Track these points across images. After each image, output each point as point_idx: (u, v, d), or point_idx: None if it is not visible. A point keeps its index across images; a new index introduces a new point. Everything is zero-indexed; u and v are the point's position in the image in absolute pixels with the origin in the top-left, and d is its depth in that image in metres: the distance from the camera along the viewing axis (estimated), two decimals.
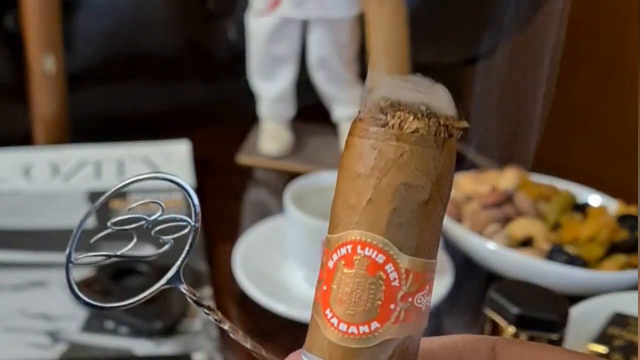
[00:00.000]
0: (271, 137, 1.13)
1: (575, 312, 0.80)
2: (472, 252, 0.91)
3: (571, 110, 1.40)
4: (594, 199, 1.00)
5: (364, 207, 0.31)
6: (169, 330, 0.82)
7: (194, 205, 0.36)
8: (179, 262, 0.36)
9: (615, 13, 1.56)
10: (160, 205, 0.36)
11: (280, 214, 0.93)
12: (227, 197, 1.06)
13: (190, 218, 0.36)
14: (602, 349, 0.78)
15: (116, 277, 0.85)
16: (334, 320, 0.31)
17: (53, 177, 1.04)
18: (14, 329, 0.82)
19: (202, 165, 1.07)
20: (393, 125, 0.31)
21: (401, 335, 0.31)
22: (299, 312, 0.83)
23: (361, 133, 0.31)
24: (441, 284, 0.86)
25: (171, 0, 1.16)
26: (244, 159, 1.13)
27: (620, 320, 0.82)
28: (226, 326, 0.36)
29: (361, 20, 1.08)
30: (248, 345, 0.36)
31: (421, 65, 1.04)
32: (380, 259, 0.31)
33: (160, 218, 0.36)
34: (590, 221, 0.93)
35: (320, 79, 1.13)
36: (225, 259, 0.91)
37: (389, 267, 0.31)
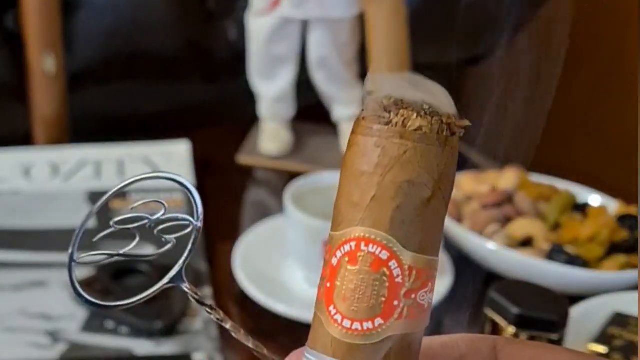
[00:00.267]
0: (271, 137, 1.13)
1: (575, 312, 0.80)
2: (472, 252, 0.91)
3: (571, 110, 1.40)
4: (594, 199, 1.00)
5: (367, 205, 0.31)
6: (169, 330, 0.82)
7: (196, 205, 0.36)
8: (181, 261, 0.36)
9: (615, 13, 1.56)
10: (163, 205, 0.36)
11: (280, 214, 0.93)
12: (227, 197, 1.06)
13: (193, 217, 0.36)
14: (602, 349, 0.78)
15: (117, 277, 0.85)
16: (338, 317, 0.32)
17: (53, 177, 1.04)
18: (14, 329, 0.82)
19: (202, 165, 1.07)
20: (396, 123, 0.31)
21: (404, 331, 0.32)
22: (299, 312, 0.83)
23: (364, 131, 0.32)
24: (441, 284, 0.86)
25: (171, 0, 1.16)
26: (244, 159, 1.13)
27: (620, 320, 0.82)
28: (228, 325, 0.36)
29: (361, 20, 1.08)
30: (250, 345, 0.36)
31: (421, 65, 1.04)
32: (384, 255, 0.31)
33: (163, 217, 0.36)
34: (590, 221, 0.93)
35: (320, 79, 1.13)
36: (225, 259, 0.91)
37: (393, 264, 0.31)
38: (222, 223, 0.98)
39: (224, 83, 1.21)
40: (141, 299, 0.36)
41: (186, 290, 0.36)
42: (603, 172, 1.08)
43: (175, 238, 0.36)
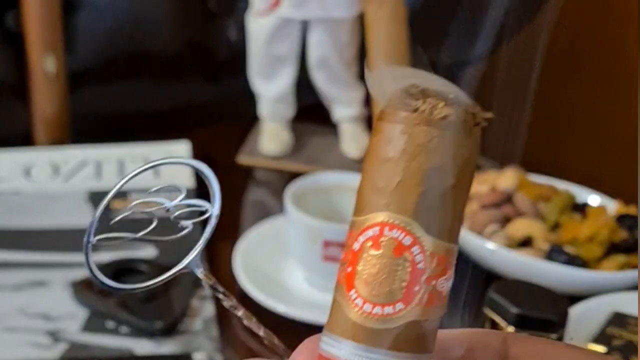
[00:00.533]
0: (271, 137, 1.13)
1: (575, 312, 0.80)
2: (471, 252, 0.91)
3: (571, 110, 1.41)
4: (593, 199, 1.00)
5: (392, 190, 0.32)
6: (170, 330, 0.82)
7: (214, 191, 0.36)
8: (198, 246, 0.37)
9: (615, 13, 1.56)
10: (181, 191, 0.36)
11: (280, 214, 0.93)
12: (227, 197, 1.05)
13: (210, 204, 0.36)
14: (601, 348, 0.79)
15: (116, 277, 0.85)
16: (359, 301, 0.32)
17: (53, 177, 1.04)
18: (14, 328, 0.82)
19: None
20: (424, 111, 0.32)
21: (423, 317, 0.32)
22: (299, 312, 0.84)
23: (391, 118, 0.32)
24: None
25: (171, 0, 1.16)
26: (244, 159, 1.13)
27: (619, 320, 0.82)
28: (240, 312, 0.37)
29: (361, 20, 1.08)
30: (261, 333, 0.36)
31: (421, 65, 1.04)
32: (407, 240, 0.32)
33: (181, 203, 0.36)
34: (590, 221, 0.93)
35: (320, 79, 1.13)
36: (225, 259, 0.91)
37: (415, 249, 0.32)
38: (222, 223, 0.98)
39: (224, 83, 1.21)
40: (153, 284, 0.37)
41: (201, 276, 0.37)
42: (602, 172, 1.09)
43: (192, 224, 0.36)
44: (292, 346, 0.35)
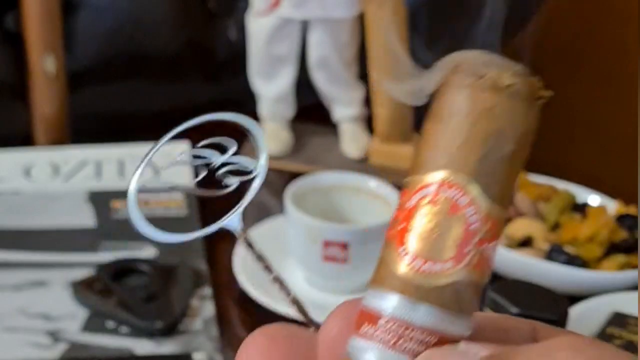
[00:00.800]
0: (271, 137, 1.13)
1: (575, 312, 0.80)
2: None
3: (571, 110, 1.41)
4: (593, 199, 1.00)
5: (453, 150, 0.32)
6: (170, 330, 0.82)
7: (261, 150, 0.37)
8: (242, 205, 0.37)
9: (615, 13, 1.56)
10: (232, 145, 0.37)
11: (280, 214, 0.93)
12: (227, 197, 1.05)
13: (255, 164, 0.37)
14: None
15: (117, 276, 0.85)
16: (409, 257, 0.32)
17: (53, 177, 1.04)
18: (14, 328, 0.82)
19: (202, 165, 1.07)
20: (491, 78, 0.32)
21: (470, 279, 0.32)
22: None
23: (457, 82, 0.33)
24: None
25: (171, 0, 1.16)
26: None
27: (619, 320, 0.82)
28: (272, 276, 0.38)
29: (361, 20, 1.08)
30: (289, 299, 0.37)
31: (421, 65, 1.04)
32: (464, 201, 0.32)
33: (229, 160, 0.37)
34: (590, 221, 0.93)
35: (320, 79, 1.13)
36: (225, 259, 0.91)
37: (471, 210, 0.32)
38: None
39: (224, 83, 1.21)
40: (195, 237, 0.37)
41: (237, 235, 0.37)
42: (602, 172, 1.08)
43: (239, 182, 0.37)
44: None
